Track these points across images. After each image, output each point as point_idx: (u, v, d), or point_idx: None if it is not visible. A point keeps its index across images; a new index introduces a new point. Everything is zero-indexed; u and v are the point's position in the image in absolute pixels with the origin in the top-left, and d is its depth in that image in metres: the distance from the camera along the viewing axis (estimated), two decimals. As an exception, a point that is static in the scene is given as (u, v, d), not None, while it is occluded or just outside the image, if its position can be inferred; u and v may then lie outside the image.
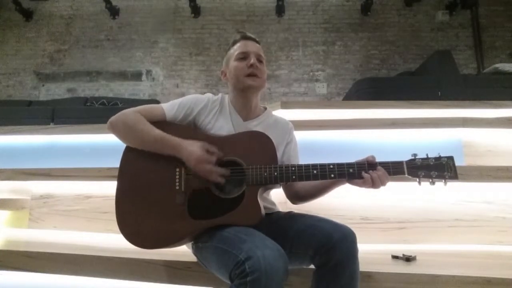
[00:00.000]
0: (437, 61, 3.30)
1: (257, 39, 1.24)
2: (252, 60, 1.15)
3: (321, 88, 5.19)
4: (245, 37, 1.21)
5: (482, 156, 1.85)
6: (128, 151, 1.13)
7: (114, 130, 1.12)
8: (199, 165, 1.00)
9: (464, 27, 5.25)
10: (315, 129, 1.79)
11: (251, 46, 1.19)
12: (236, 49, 1.20)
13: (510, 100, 2.04)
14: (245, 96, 1.19)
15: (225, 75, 1.24)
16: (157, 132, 1.07)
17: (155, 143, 1.07)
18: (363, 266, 0.96)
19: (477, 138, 1.86)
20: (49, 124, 3.21)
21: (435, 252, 1.42)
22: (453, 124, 1.77)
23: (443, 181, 0.98)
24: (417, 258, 1.23)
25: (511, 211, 1.58)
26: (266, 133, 1.09)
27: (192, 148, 1.02)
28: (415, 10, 5.35)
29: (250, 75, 1.15)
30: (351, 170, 1.00)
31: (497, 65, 3.17)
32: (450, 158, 0.99)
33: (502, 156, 1.84)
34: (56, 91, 5.39)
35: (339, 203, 1.63)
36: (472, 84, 3.01)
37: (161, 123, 1.13)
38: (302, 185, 1.17)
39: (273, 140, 1.08)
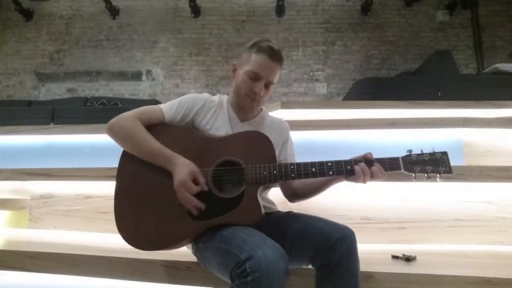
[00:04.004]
0: (437, 61, 3.30)
1: (282, 57, 1.15)
2: (258, 89, 1.12)
3: (321, 88, 5.19)
4: (271, 57, 1.11)
5: (482, 156, 1.85)
6: (126, 153, 1.13)
7: (112, 134, 1.11)
8: (180, 189, 0.99)
9: (464, 27, 5.25)
10: (315, 129, 1.79)
11: (269, 71, 1.12)
12: (254, 62, 1.12)
13: (510, 100, 2.04)
14: (241, 105, 1.19)
15: (235, 71, 1.20)
16: (153, 143, 1.06)
17: (149, 154, 1.07)
18: (363, 266, 0.96)
19: (477, 138, 1.86)
20: (49, 124, 3.21)
21: (435, 252, 1.42)
22: (453, 124, 1.77)
23: (438, 175, 1.00)
24: (417, 258, 1.23)
25: (511, 211, 1.58)
26: (263, 133, 1.09)
27: (181, 169, 1.00)
28: (415, 10, 5.36)
29: (250, 97, 1.14)
30: (348, 167, 1.01)
31: (497, 65, 3.17)
32: (444, 153, 1.02)
33: (502, 156, 1.84)
34: (56, 91, 5.39)
35: (339, 203, 1.63)
36: (472, 84, 3.01)
37: (161, 125, 1.13)
38: (300, 183, 1.17)
39: (270, 139, 1.08)
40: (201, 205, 0.99)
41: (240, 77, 1.15)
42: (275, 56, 1.12)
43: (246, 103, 1.16)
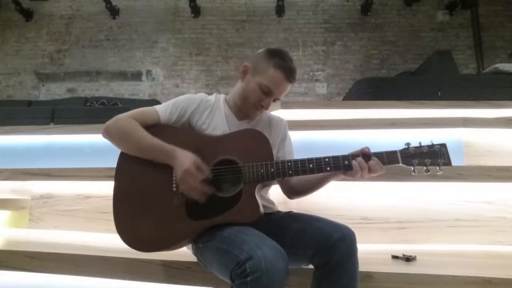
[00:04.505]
0: (437, 61, 3.30)
1: (296, 78, 1.16)
2: (266, 103, 1.13)
3: (321, 88, 5.19)
4: (288, 78, 1.12)
5: (482, 156, 1.85)
6: (123, 155, 1.13)
7: (109, 136, 1.11)
8: (185, 177, 0.98)
9: (464, 27, 5.25)
10: (315, 129, 1.79)
11: (282, 90, 1.14)
12: (270, 77, 1.10)
13: (510, 100, 2.04)
14: (244, 111, 1.20)
15: (246, 74, 1.17)
16: (152, 139, 1.06)
17: (149, 150, 1.06)
18: (363, 266, 0.96)
19: (477, 138, 1.86)
20: (49, 124, 3.21)
21: (435, 252, 1.42)
22: (453, 124, 1.77)
23: (437, 168, 0.99)
24: (417, 258, 1.23)
25: (511, 211, 1.58)
26: (261, 131, 1.09)
27: (183, 159, 1.00)
28: (415, 10, 5.36)
29: (256, 107, 1.15)
30: (346, 162, 1.01)
31: (497, 65, 3.17)
32: (443, 145, 1.01)
33: (502, 156, 1.84)
34: (56, 91, 5.39)
35: (339, 203, 1.63)
36: (472, 84, 3.00)
37: (157, 126, 1.13)
38: (298, 179, 1.17)
39: (268, 138, 1.08)
40: (209, 190, 1.00)
41: (251, 85, 1.14)
42: (291, 78, 1.13)
43: (250, 112, 1.17)
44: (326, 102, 4.59)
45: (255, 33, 5.40)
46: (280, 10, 5.34)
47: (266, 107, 1.15)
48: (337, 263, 0.90)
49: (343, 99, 4.04)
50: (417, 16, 5.34)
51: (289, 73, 1.12)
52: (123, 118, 1.11)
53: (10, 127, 2.15)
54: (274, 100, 1.16)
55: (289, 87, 1.16)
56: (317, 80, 5.22)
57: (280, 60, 1.11)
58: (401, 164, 1.01)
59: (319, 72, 5.25)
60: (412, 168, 1.00)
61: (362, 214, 1.62)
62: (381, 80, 3.60)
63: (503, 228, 1.56)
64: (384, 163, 1.01)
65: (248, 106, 1.16)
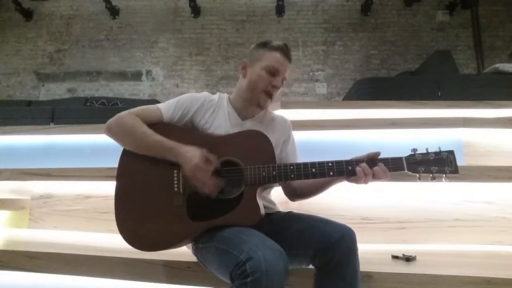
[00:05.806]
0: (437, 61, 3.30)
1: (291, 58, 1.19)
2: (278, 83, 1.13)
3: (321, 88, 5.19)
4: (285, 54, 1.15)
5: (482, 156, 1.85)
6: (125, 154, 1.13)
7: (111, 134, 1.11)
8: (196, 173, 0.98)
9: (464, 27, 5.25)
10: (315, 129, 1.79)
11: (285, 67, 1.15)
12: (270, 58, 1.14)
13: (510, 100, 2.04)
14: (249, 104, 1.19)
15: (245, 68, 1.19)
16: (155, 136, 1.05)
17: (153, 147, 1.05)
18: (363, 266, 0.97)
19: (477, 138, 1.86)
20: (49, 124, 3.20)
21: (435, 252, 1.42)
22: (454, 124, 1.77)
23: (444, 176, 0.96)
24: (417, 258, 1.23)
25: (511, 211, 1.58)
26: (264, 132, 1.09)
27: (190, 155, 1.00)
28: (415, 10, 5.35)
29: (267, 93, 1.14)
30: (349, 168, 1.00)
31: (497, 65, 3.16)
32: (451, 153, 0.98)
33: (502, 156, 1.84)
34: (56, 91, 5.39)
35: (339, 203, 1.63)
36: (472, 84, 3.00)
37: (159, 124, 1.12)
38: (300, 182, 1.16)
39: (271, 138, 1.08)
40: (222, 182, 1.00)
41: (255, 73, 1.14)
42: (288, 55, 1.16)
43: (261, 99, 1.15)
44: (326, 102, 4.59)
45: (255, 33, 5.39)
46: (280, 10, 5.34)
47: (279, 87, 1.15)
48: (338, 262, 0.90)
49: (343, 99, 4.04)
50: (417, 16, 5.34)
51: (285, 51, 1.16)
52: (125, 115, 1.10)
53: (10, 127, 2.15)
54: (282, 82, 1.16)
55: (288, 66, 1.17)
56: (317, 80, 5.22)
57: (274, 44, 1.16)
58: (406, 171, 0.98)
59: (319, 72, 5.24)
60: (418, 175, 0.97)
61: (362, 214, 1.62)
62: (381, 80, 3.60)
63: (503, 228, 1.56)
64: (389, 170, 0.98)
65: (258, 95, 1.14)
